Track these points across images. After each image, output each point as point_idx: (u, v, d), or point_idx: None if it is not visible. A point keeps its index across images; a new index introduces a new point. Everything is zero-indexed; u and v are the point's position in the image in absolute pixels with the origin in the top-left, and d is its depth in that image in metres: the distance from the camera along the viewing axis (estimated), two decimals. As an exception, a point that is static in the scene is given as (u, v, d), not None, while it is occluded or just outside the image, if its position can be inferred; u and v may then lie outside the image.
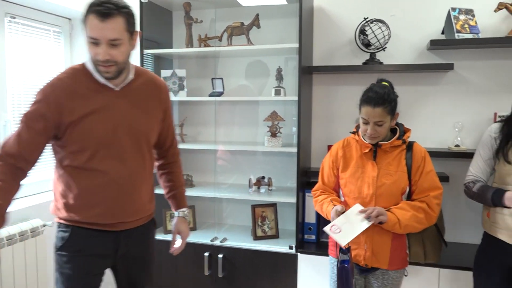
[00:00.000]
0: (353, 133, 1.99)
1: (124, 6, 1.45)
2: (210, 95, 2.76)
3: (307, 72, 2.62)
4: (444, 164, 2.59)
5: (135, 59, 2.92)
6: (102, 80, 1.52)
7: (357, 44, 2.62)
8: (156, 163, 1.87)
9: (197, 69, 3.00)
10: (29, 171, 1.52)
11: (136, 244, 1.68)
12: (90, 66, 1.52)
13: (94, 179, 1.53)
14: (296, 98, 2.47)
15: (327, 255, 2.41)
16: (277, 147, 2.60)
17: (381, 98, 1.77)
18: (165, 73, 2.78)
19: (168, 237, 2.69)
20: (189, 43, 2.81)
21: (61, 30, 2.90)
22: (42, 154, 1.52)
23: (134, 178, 1.59)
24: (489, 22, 2.51)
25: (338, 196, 2.03)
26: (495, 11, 2.41)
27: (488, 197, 1.80)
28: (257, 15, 2.64)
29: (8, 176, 1.45)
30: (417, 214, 1.79)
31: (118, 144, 1.54)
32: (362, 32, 2.59)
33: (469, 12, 2.46)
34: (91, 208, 1.55)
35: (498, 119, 2.40)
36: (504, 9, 2.41)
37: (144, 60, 2.73)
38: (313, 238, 2.60)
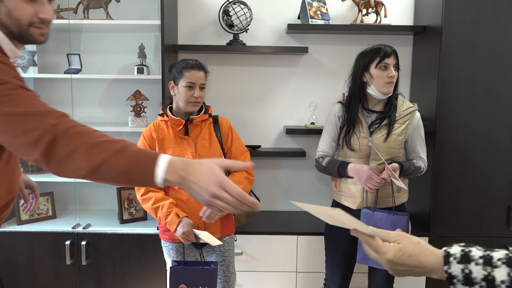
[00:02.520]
0: (161, 115, 2.04)
1: None
2: (66, 72, 2.54)
3: (172, 50, 2.58)
4: (301, 140, 2.82)
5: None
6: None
7: (221, 25, 2.66)
8: None
9: (50, 44, 2.72)
10: None
11: None
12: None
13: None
14: (160, 77, 2.42)
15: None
16: (141, 127, 2.53)
17: (200, 64, 2.04)
18: (11, 46, 2.47)
19: (22, 228, 2.46)
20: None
21: None
22: None
23: None
24: (338, 10, 2.76)
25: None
26: (342, 0, 2.66)
27: (335, 169, 2.03)
28: (116, -12, 2.50)
29: None
30: (247, 185, 2.02)
31: None
32: (226, 12, 2.63)
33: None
34: None
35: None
36: (350, -1, 2.68)
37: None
38: (181, 217, 2.62)
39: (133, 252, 2.48)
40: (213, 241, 1.84)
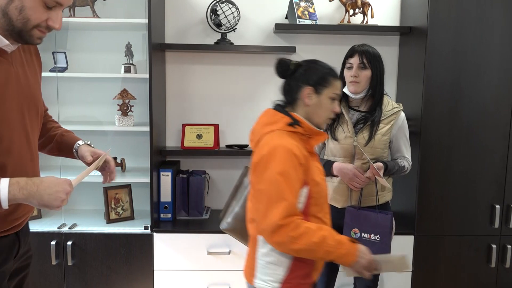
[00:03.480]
0: (293, 125, 1.44)
1: None
2: (51, 71, 2.52)
3: (159, 49, 2.57)
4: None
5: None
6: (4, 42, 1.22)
7: (209, 24, 2.66)
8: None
9: (36, 42, 2.69)
10: None
11: None
12: None
13: None
14: (147, 75, 2.41)
15: (183, 232, 2.47)
16: (128, 126, 2.52)
17: None
18: (-5, 44, 2.44)
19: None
20: None
21: None
22: None
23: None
24: (326, 10, 2.78)
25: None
26: (330, 0, 2.68)
27: None
28: (103, -14, 2.48)
29: None
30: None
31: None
32: (214, 12, 2.63)
33: (309, 0, 2.69)
34: None
35: None
36: (337, 0, 2.70)
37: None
38: (169, 217, 2.61)
39: (120, 252, 2.46)
40: None
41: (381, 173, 1.91)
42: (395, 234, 2.40)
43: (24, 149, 1.35)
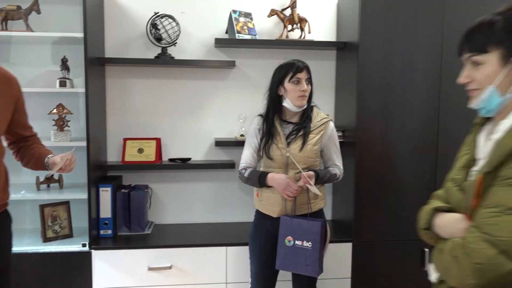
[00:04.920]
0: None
1: None
2: (-18, 86, 2.42)
3: (98, 63, 2.54)
4: (231, 152, 2.86)
5: None
6: None
7: (149, 38, 2.66)
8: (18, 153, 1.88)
9: (-34, 55, 2.60)
10: None
11: None
12: None
13: None
14: (83, 90, 2.37)
15: (124, 248, 2.43)
16: (65, 141, 2.46)
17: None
18: None
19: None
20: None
21: None
22: None
23: None
24: (265, 25, 2.85)
25: None
26: (268, 16, 2.76)
27: (256, 180, 2.08)
28: (36, -1, 2.43)
29: None
30: None
31: None
32: (154, 26, 2.64)
33: (248, 15, 2.76)
34: None
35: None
36: (276, 15, 2.78)
37: None
38: (109, 233, 2.55)
39: (57, 272, 2.38)
40: None
41: (312, 181, 1.97)
42: (334, 241, 2.49)
43: None
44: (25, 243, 2.45)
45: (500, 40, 1.06)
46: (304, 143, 2.05)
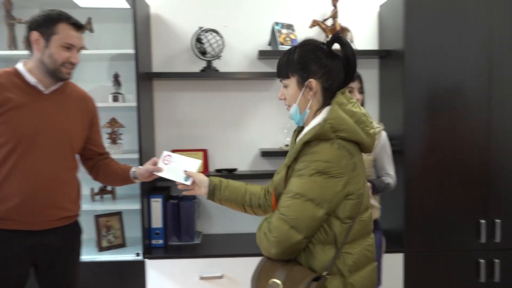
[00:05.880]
0: None
1: None
2: (41, 102, 2.55)
3: (146, 78, 2.63)
4: (276, 162, 2.89)
5: None
6: (33, 81, 1.66)
7: (194, 52, 2.74)
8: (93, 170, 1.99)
9: (25, 74, 2.74)
10: None
11: (58, 244, 1.74)
12: (21, 69, 1.67)
13: (11, 174, 1.61)
14: (135, 104, 2.46)
15: (175, 258, 2.48)
16: (118, 154, 2.55)
17: None
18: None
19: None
20: (12, 45, 2.56)
21: None
22: None
23: (54, 176, 1.68)
24: (307, 36, 2.88)
25: None
26: (310, 27, 2.79)
27: None
28: (90, 18, 2.55)
29: None
30: None
31: (40, 141, 1.65)
32: (199, 40, 2.71)
33: (290, 26, 2.80)
34: (5, 202, 1.61)
35: None
36: (317, 26, 2.81)
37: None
38: (160, 243, 2.62)
39: (113, 279, 2.46)
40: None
41: (370, 192, 1.97)
42: (385, 252, 2.46)
43: (29, 155, 1.64)
44: (82, 252, 2.54)
45: (295, 69, 1.34)
46: None
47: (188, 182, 1.64)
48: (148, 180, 1.86)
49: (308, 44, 1.37)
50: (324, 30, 2.80)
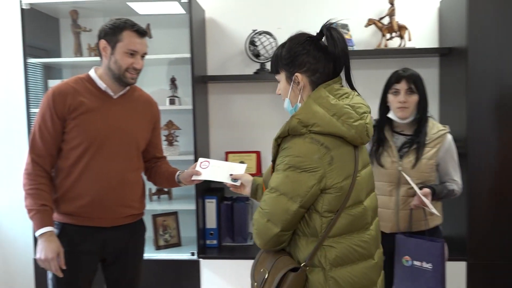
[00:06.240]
0: None
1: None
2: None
3: (201, 81, 2.69)
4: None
5: (17, 68, 2.75)
6: (103, 86, 1.76)
7: (248, 55, 2.76)
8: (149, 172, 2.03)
9: (89, 79, 2.89)
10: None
11: (124, 241, 1.83)
12: (93, 75, 1.77)
13: (84, 174, 1.71)
14: (191, 107, 2.52)
15: (229, 258, 2.52)
16: (174, 155, 2.63)
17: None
18: (53, 83, 2.64)
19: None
20: (78, 52, 2.72)
21: None
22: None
23: (122, 176, 1.77)
24: (362, 36, 2.82)
25: None
26: (365, 26, 2.72)
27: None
28: (148, 25, 2.65)
29: (45, 179, 1.69)
30: None
31: (109, 143, 1.74)
32: (252, 43, 2.73)
33: (345, 26, 2.74)
34: (78, 200, 1.71)
35: (373, 123, 2.71)
36: (373, 25, 2.73)
37: (30, 69, 2.57)
38: (215, 243, 2.66)
39: (169, 277, 2.53)
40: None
41: (429, 198, 1.87)
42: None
43: (99, 156, 1.73)
44: (140, 250, 2.64)
45: (283, 64, 1.37)
46: (417, 158, 1.95)
47: (237, 183, 1.73)
48: (191, 184, 1.90)
49: (297, 37, 1.39)
50: (380, 29, 2.71)
